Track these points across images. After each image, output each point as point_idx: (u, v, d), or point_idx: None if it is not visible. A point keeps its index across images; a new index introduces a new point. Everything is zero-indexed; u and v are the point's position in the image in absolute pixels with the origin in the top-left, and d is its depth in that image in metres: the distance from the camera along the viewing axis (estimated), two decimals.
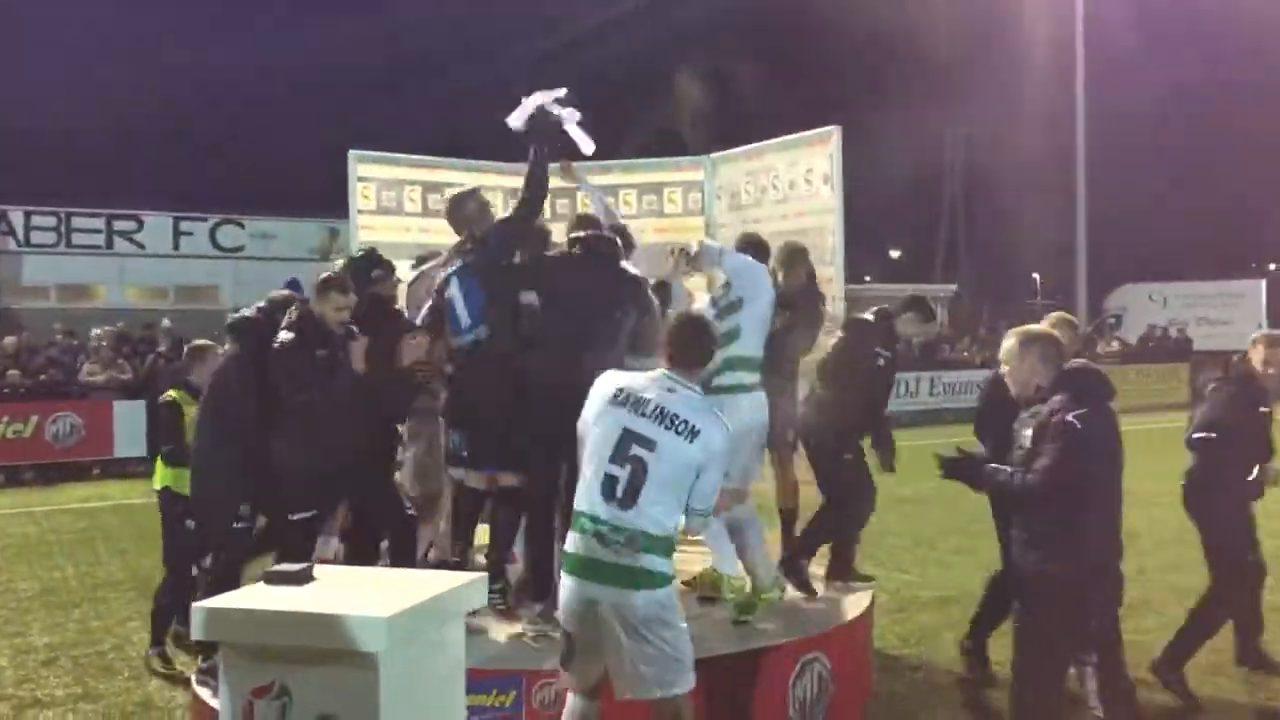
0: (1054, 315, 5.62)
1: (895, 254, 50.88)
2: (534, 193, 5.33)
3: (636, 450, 3.75)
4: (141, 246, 27.44)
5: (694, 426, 3.77)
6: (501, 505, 5.37)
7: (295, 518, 5.07)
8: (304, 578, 3.22)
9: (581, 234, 5.28)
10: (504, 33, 42.58)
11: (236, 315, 5.76)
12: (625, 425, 3.78)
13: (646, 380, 3.89)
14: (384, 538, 5.41)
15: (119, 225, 27.24)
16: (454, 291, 5.26)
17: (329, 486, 5.16)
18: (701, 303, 5.88)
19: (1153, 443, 10.48)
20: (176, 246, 27.80)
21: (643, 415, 3.79)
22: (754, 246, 5.74)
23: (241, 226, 28.39)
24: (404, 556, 5.12)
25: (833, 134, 6.23)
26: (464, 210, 5.47)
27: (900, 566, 8.51)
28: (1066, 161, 33.40)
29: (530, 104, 5.51)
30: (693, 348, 3.96)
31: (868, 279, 39.18)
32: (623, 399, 3.83)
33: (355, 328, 5.22)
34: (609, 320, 5.04)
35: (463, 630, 3.32)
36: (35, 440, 14.80)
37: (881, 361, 5.95)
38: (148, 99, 41.39)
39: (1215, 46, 39.58)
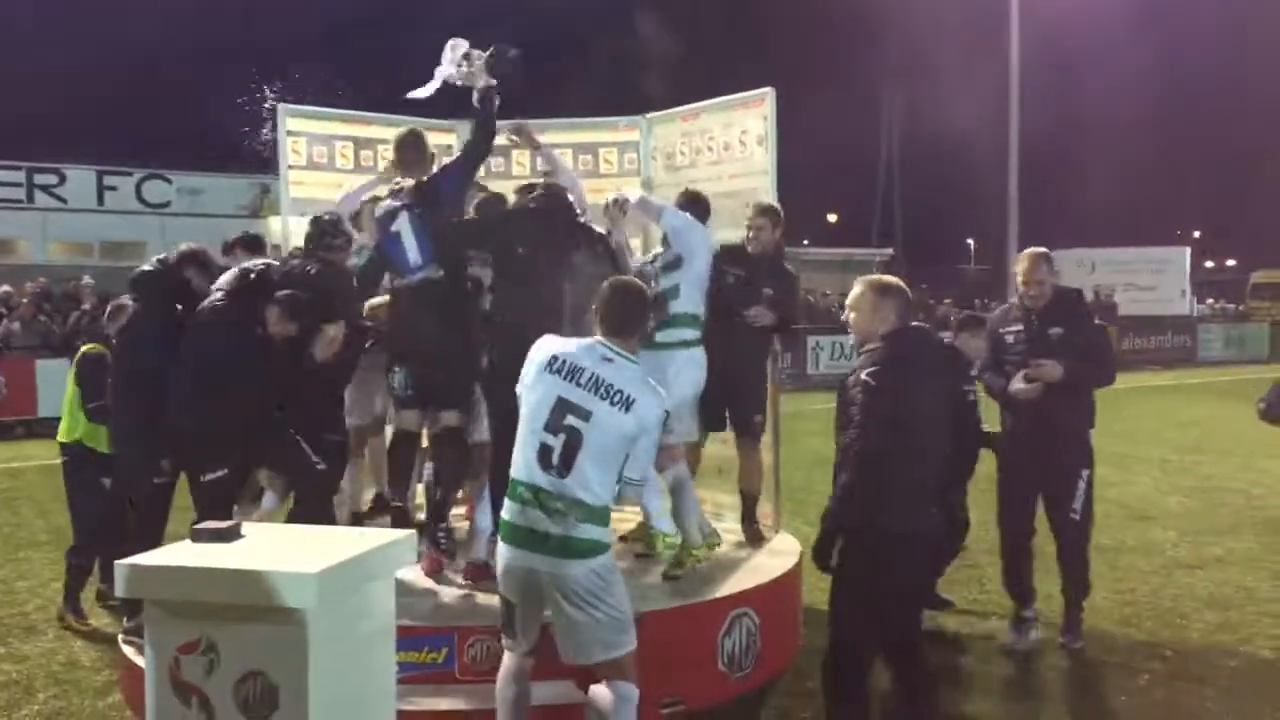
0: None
1: (832, 218, 51.24)
2: (484, 143, 5.39)
3: (571, 420, 3.72)
4: (64, 201, 26.66)
5: (629, 397, 3.74)
6: (446, 446, 5.37)
7: (206, 478, 5.03)
8: (231, 535, 3.20)
9: (535, 188, 5.32)
10: None
11: (138, 270, 5.73)
12: (559, 394, 3.76)
13: (582, 348, 3.85)
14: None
15: (40, 179, 26.44)
16: (402, 227, 5.23)
17: (233, 447, 5.11)
18: (639, 257, 5.91)
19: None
20: (101, 201, 27.07)
21: (578, 385, 3.76)
22: (694, 203, 5.75)
23: (169, 182, 27.70)
24: (311, 513, 5.06)
25: (766, 96, 6.24)
26: (418, 151, 5.46)
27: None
28: (1000, 127, 33.81)
29: (441, 74, 5.46)
30: (628, 316, 3.91)
31: (805, 243, 39.42)
32: (558, 367, 3.80)
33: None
34: (563, 269, 5.05)
35: (392, 587, 3.32)
36: None
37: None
38: (71, 47, 40.09)
39: (1151, 13, 40.18)
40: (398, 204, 5.30)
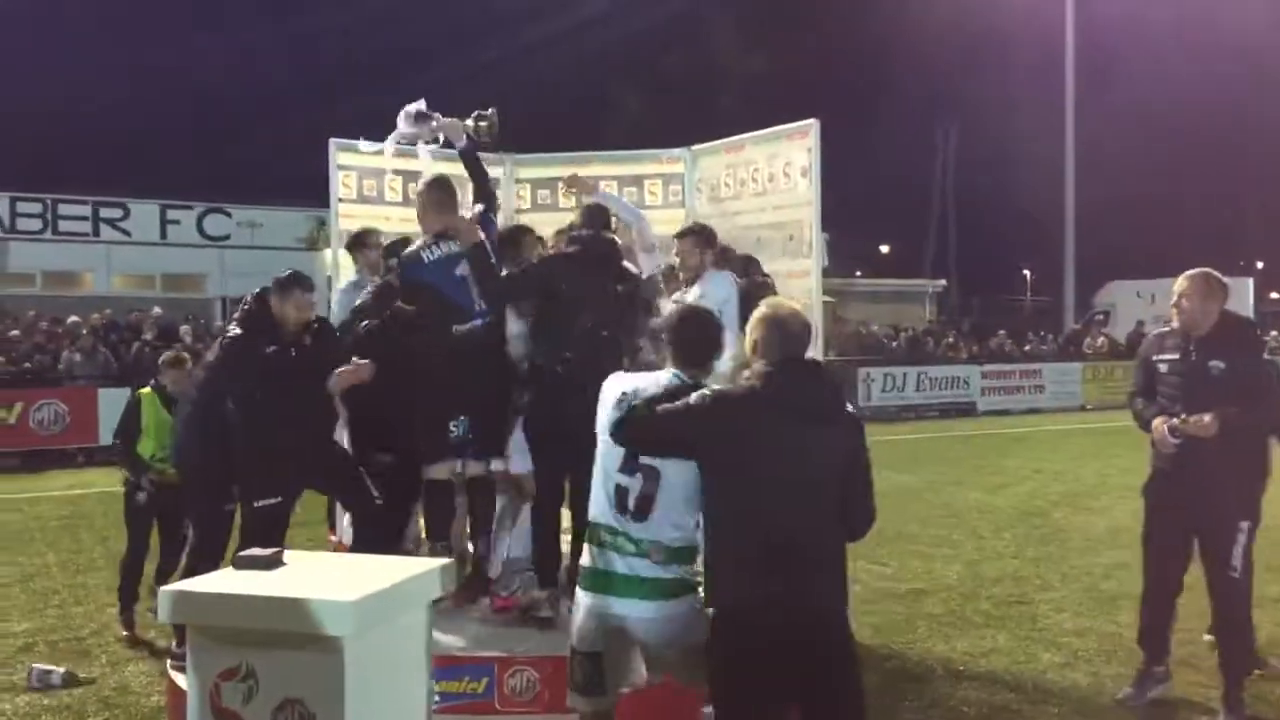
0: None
1: (885, 249, 50.97)
2: (490, 200, 5.46)
3: (646, 459, 3.51)
4: (128, 234, 27.37)
5: None
6: (482, 493, 5.43)
7: (259, 504, 5.11)
8: (273, 562, 3.25)
9: (578, 234, 5.32)
10: (488, 22, 42.51)
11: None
12: None
13: (654, 382, 3.60)
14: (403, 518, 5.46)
15: (105, 213, 27.19)
16: (466, 271, 5.21)
17: (285, 474, 5.19)
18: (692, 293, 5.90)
19: (1140, 439, 10.57)
20: (163, 235, 27.78)
21: None
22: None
23: (229, 215, 28.34)
24: (369, 543, 5.11)
25: (811, 127, 6.24)
26: (454, 195, 5.41)
27: (877, 559, 8.54)
28: (1056, 157, 33.55)
29: (396, 134, 5.59)
30: (698, 345, 3.65)
31: (858, 274, 39.26)
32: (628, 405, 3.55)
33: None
34: (609, 317, 5.09)
35: (429, 616, 3.34)
36: (20, 427, 14.78)
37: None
38: (136, 86, 41.28)
39: (1207, 44, 39.68)
40: (455, 249, 5.23)
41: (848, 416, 3.39)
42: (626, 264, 5.45)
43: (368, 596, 2.95)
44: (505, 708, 4.54)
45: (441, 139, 5.62)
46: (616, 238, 5.48)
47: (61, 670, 5.74)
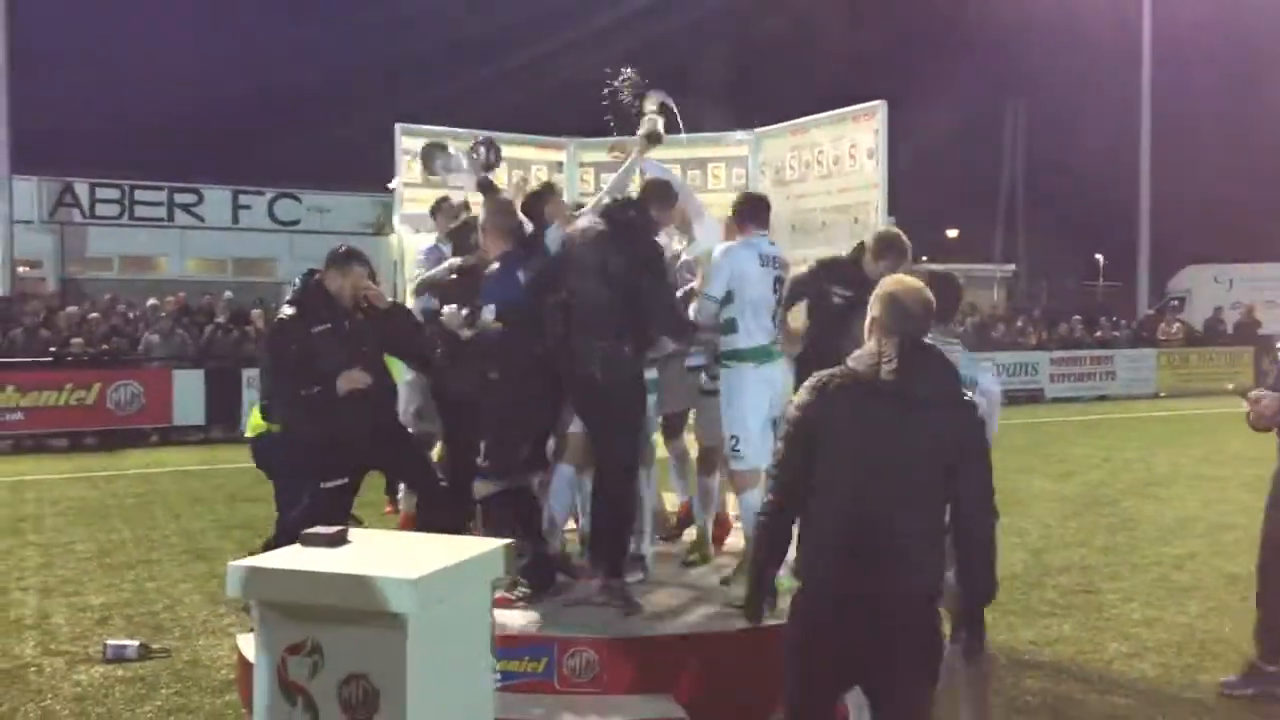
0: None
1: (952, 233, 50.20)
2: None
3: None
4: (201, 219, 27.95)
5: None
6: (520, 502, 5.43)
7: (326, 485, 5.19)
8: (338, 540, 3.30)
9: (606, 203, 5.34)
10: (554, 11, 42.56)
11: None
12: None
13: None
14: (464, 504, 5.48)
15: (180, 198, 27.78)
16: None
17: (345, 455, 5.27)
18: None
19: (1214, 427, 10.18)
20: (235, 219, 28.31)
21: None
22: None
23: (298, 200, 28.79)
24: (434, 521, 5.15)
25: (878, 109, 6.17)
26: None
27: None
28: (1130, 140, 32.75)
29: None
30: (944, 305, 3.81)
31: (925, 258, 38.73)
32: None
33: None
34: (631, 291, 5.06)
35: (490, 594, 3.38)
36: (97, 407, 15.17)
37: (838, 300, 5.14)
38: (208, 76, 42.05)
39: None
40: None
41: (959, 401, 3.24)
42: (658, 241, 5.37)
43: (430, 574, 2.99)
44: (564, 688, 4.57)
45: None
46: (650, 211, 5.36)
47: (136, 643, 5.90)
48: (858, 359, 3.23)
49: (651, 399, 5.69)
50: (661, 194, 5.37)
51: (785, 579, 4.90)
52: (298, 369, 5.22)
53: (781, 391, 5.30)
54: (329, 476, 5.29)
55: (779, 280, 5.35)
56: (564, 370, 5.18)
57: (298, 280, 5.45)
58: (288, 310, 5.33)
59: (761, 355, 5.31)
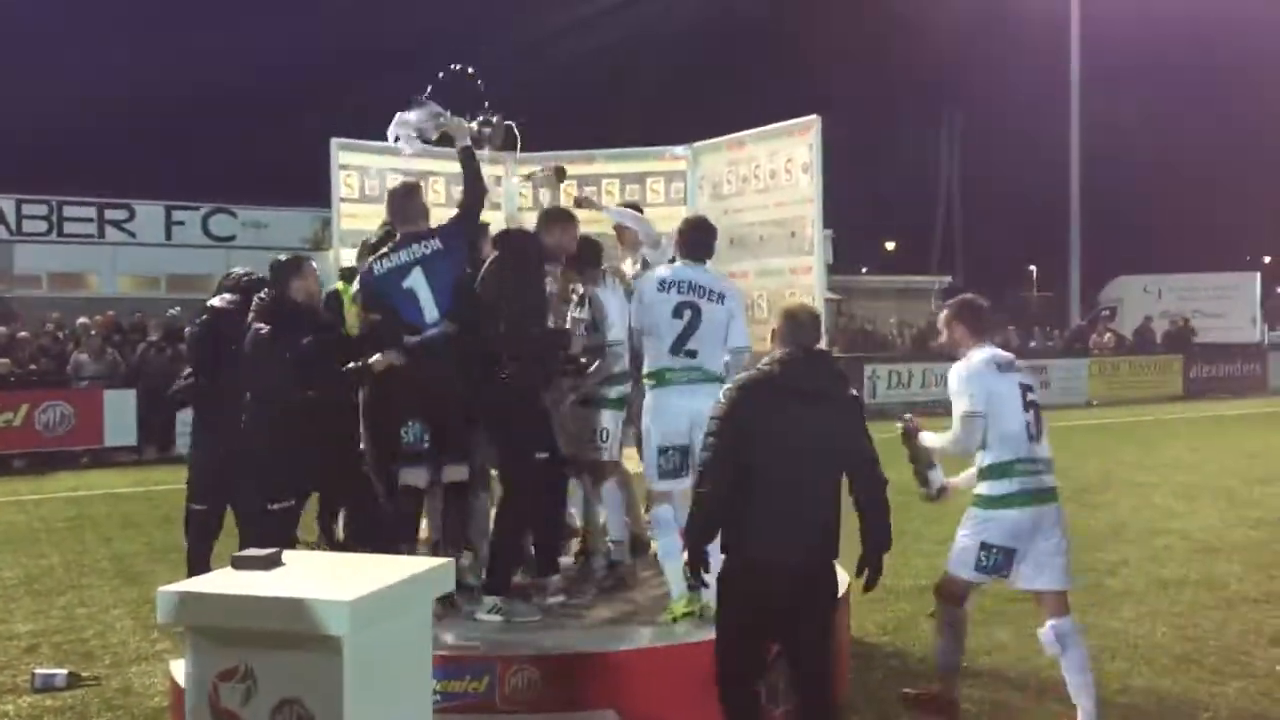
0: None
1: (890, 246, 50.89)
2: (476, 202, 5.38)
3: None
4: (133, 235, 27.37)
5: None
6: (457, 498, 5.42)
7: (274, 507, 5.12)
8: (271, 562, 3.25)
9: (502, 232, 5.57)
10: (491, 19, 42.56)
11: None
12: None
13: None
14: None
15: (111, 214, 27.18)
16: (417, 283, 5.16)
17: (303, 475, 5.20)
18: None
19: (1145, 435, 10.38)
20: (169, 236, 27.75)
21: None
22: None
23: (234, 215, 28.32)
24: (364, 541, 5.09)
25: (813, 123, 6.22)
26: (415, 202, 5.39)
27: None
28: (1061, 153, 33.45)
29: (404, 119, 5.55)
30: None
31: (864, 270, 39.22)
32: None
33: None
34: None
35: (430, 615, 3.34)
36: (25, 429, 14.80)
37: None
38: (139, 87, 41.32)
39: (1214, 36, 39.56)
40: (403, 260, 5.19)
41: (848, 397, 4.03)
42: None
43: (366, 596, 2.95)
44: (507, 707, 4.53)
45: (435, 136, 5.61)
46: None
47: (64, 672, 5.75)
48: (767, 363, 3.96)
49: (617, 415, 5.74)
50: (549, 218, 5.61)
51: (680, 604, 4.93)
52: (283, 384, 5.12)
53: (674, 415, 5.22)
54: (280, 497, 5.20)
55: (684, 305, 5.21)
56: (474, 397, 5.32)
57: (259, 296, 5.37)
58: (263, 327, 5.21)
59: (658, 378, 5.28)
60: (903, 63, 43.43)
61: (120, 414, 15.13)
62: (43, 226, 26.82)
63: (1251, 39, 38.50)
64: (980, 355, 5.03)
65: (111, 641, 6.51)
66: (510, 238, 5.53)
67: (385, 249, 5.31)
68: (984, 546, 4.84)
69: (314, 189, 6.35)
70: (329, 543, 5.89)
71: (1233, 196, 45.66)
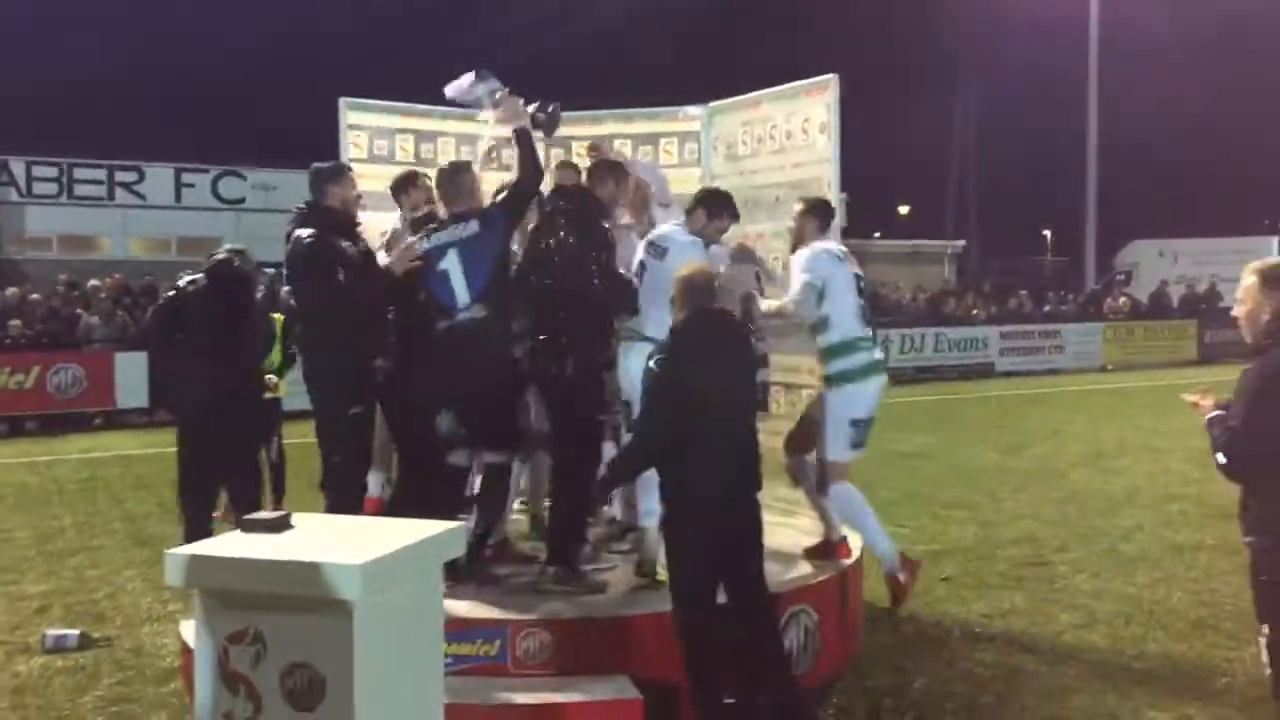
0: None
1: (904, 210, 50.51)
2: (531, 182, 5.20)
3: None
4: (143, 198, 27.26)
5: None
6: (498, 478, 5.34)
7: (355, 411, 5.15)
8: (281, 525, 3.21)
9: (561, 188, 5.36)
10: None
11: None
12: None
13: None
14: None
15: (121, 176, 27.06)
16: (451, 265, 5.06)
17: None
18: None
19: (1160, 400, 10.20)
20: (178, 198, 27.63)
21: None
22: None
23: (243, 178, 28.20)
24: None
25: (830, 83, 6.09)
26: (462, 183, 5.24)
27: (894, 520, 8.48)
28: (1078, 117, 33.09)
29: (466, 90, 5.45)
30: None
31: (877, 235, 38.93)
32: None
33: None
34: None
35: (439, 579, 3.30)
36: (37, 391, 14.85)
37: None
38: (149, 50, 41.11)
39: (1230, 2, 38.95)
40: (443, 240, 5.10)
41: (749, 342, 4.66)
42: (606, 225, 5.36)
43: (377, 559, 2.91)
44: (518, 670, 4.51)
45: (490, 110, 5.46)
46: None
47: (76, 633, 5.76)
48: (673, 326, 4.39)
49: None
50: (605, 174, 5.47)
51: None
52: (329, 290, 5.04)
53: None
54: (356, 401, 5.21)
55: (642, 265, 5.39)
56: (529, 361, 5.24)
57: (298, 209, 5.34)
58: (306, 232, 5.08)
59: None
60: (918, 27, 42.90)
61: (131, 376, 15.14)
62: (53, 189, 26.75)
63: (1270, 3, 37.88)
64: (823, 245, 5.52)
65: (123, 602, 6.52)
66: (568, 194, 5.36)
67: (431, 226, 5.22)
68: (854, 423, 5.34)
69: (322, 151, 6.23)
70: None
71: (1250, 160, 45.14)
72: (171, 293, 6.40)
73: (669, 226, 5.51)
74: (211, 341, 6.07)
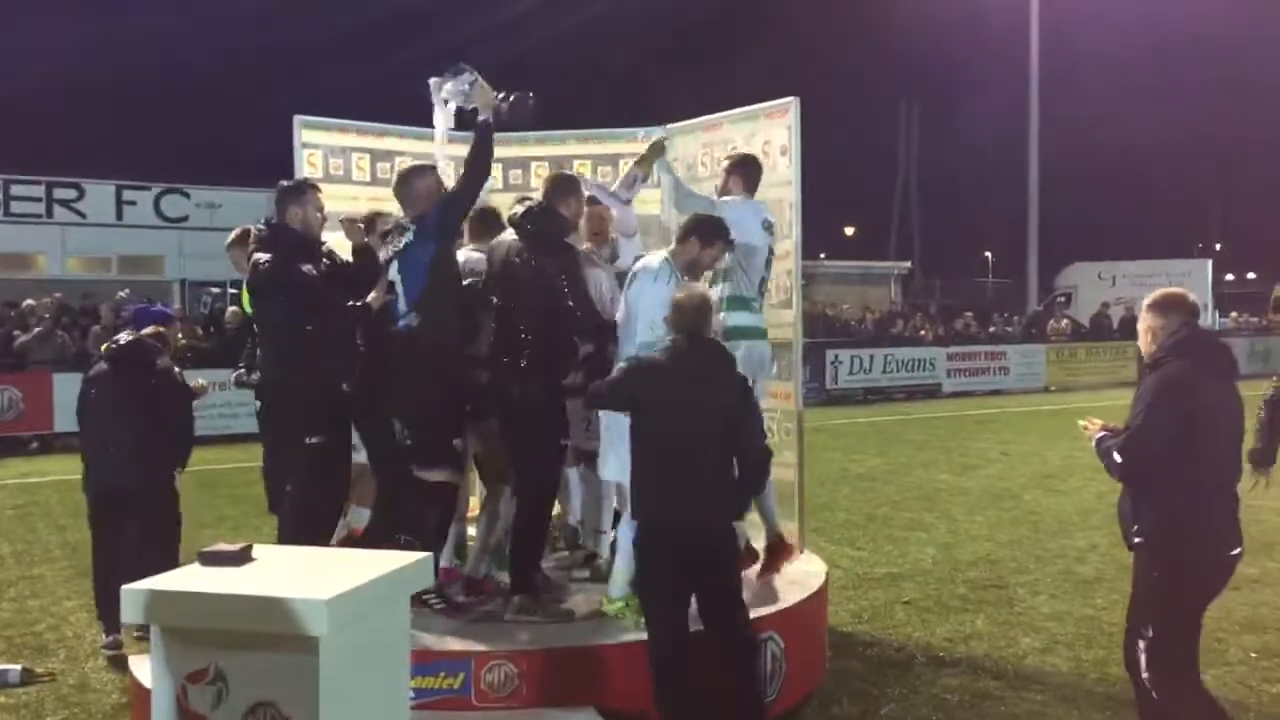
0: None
1: (849, 231, 51.01)
2: (482, 172, 5.07)
3: None
4: (83, 215, 26.66)
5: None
6: (437, 499, 5.09)
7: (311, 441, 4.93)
8: (242, 558, 3.11)
9: (522, 209, 5.18)
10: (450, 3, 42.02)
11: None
12: None
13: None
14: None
15: (59, 193, 26.46)
16: (395, 273, 4.98)
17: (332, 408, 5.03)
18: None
19: (1104, 419, 10.35)
20: (119, 216, 27.03)
21: None
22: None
23: (187, 196, 27.69)
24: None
25: (791, 105, 6.10)
26: (413, 187, 5.11)
27: (853, 543, 8.50)
28: (1019, 140, 33.67)
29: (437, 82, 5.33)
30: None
31: (822, 255, 39.22)
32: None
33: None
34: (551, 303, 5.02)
35: (407, 612, 3.22)
36: None
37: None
38: (90, 63, 40.36)
39: (1172, 27, 40.00)
40: (392, 250, 5.00)
41: (732, 378, 4.41)
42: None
43: (344, 594, 2.82)
44: (483, 703, 4.40)
45: (467, 105, 5.33)
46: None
47: (18, 668, 5.54)
48: (659, 350, 4.42)
49: None
50: (564, 188, 5.29)
51: (618, 601, 4.81)
52: (292, 314, 4.89)
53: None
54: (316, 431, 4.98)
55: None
56: (489, 385, 5.13)
57: (257, 227, 5.12)
58: (263, 256, 4.87)
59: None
60: (862, 50, 43.52)
61: (70, 398, 14.61)
62: None
63: (1205, 32, 39.00)
64: (747, 200, 5.60)
65: (66, 635, 6.29)
66: (532, 214, 5.15)
67: (384, 231, 5.15)
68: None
69: (270, 169, 6.08)
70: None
71: (1186, 185, 46.29)
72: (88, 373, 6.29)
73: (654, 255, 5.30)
74: (109, 431, 6.04)
